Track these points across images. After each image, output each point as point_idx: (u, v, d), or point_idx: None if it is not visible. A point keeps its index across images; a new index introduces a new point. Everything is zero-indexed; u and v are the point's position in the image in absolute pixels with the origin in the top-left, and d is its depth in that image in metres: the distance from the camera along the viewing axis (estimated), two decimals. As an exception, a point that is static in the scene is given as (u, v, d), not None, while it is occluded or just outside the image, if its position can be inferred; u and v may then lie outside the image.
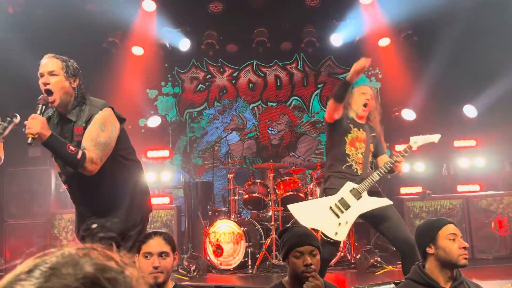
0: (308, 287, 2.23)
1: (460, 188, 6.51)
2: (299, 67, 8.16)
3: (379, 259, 5.31)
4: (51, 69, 2.50)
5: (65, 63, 2.55)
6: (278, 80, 8.18)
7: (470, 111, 7.03)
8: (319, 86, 8.13)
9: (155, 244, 2.27)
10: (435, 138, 3.51)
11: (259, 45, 7.50)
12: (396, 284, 2.59)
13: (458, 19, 6.60)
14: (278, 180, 5.85)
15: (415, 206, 5.94)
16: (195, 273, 5.09)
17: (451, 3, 6.46)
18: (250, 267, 5.29)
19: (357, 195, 3.33)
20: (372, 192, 3.39)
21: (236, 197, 5.92)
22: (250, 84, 8.18)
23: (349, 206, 3.31)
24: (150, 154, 7.41)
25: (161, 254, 2.25)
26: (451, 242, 2.26)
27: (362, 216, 3.41)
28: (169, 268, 2.27)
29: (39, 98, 2.49)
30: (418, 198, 6.00)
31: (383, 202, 3.34)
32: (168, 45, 7.57)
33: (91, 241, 2.56)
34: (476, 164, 6.73)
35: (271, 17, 7.37)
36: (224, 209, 6.03)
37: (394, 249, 3.50)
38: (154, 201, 6.07)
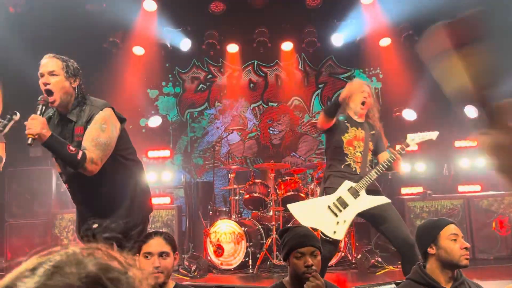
0: (309, 287, 2.23)
1: (461, 188, 6.50)
2: (300, 67, 8.15)
3: (379, 259, 5.31)
4: (51, 69, 2.50)
5: (65, 63, 2.55)
6: (278, 80, 8.18)
7: (471, 111, 7.02)
8: (320, 86, 8.13)
9: (156, 244, 2.27)
10: (433, 135, 3.50)
11: (260, 45, 7.50)
12: (396, 284, 2.59)
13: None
14: (279, 180, 5.85)
15: (416, 206, 5.93)
16: (195, 273, 5.09)
17: (452, 3, 6.44)
18: (250, 267, 5.29)
19: (355, 193, 3.34)
20: (371, 191, 3.40)
21: (237, 197, 5.91)
22: (251, 84, 8.18)
23: (347, 205, 3.32)
24: (151, 154, 7.40)
25: (161, 254, 2.25)
26: (452, 242, 2.26)
27: (362, 216, 3.42)
28: (169, 268, 2.27)
29: (39, 98, 2.48)
30: (419, 198, 5.99)
31: (381, 200, 3.35)
32: (169, 45, 7.57)
33: (93, 240, 2.55)
34: (477, 164, 6.72)
35: (272, 17, 7.37)
36: (225, 209, 6.02)
37: (395, 249, 3.50)
38: (155, 201, 6.07)
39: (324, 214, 3.32)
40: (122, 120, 2.68)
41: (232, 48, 7.83)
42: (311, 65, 8.14)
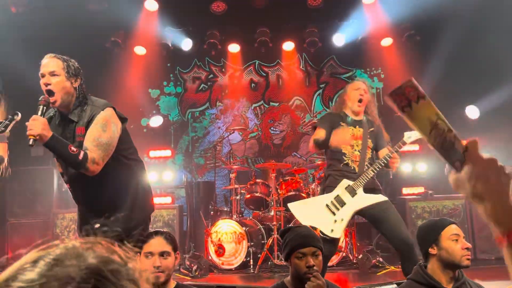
0: (310, 287, 2.23)
1: (462, 188, 6.47)
2: (301, 67, 8.15)
3: (381, 259, 5.30)
4: (52, 69, 2.49)
5: (66, 63, 2.54)
6: (280, 80, 8.18)
7: (472, 112, 7.01)
8: (321, 86, 8.13)
9: (156, 244, 2.27)
10: None
11: (261, 45, 7.50)
12: (398, 284, 2.59)
13: (461, 19, 6.57)
14: (280, 180, 5.85)
15: (417, 206, 5.92)
16: (197, 273, 5.09)
17: (454, 3, 6.44)
18: (252, 267, 5.29)
19: (352, 192, 3.36)
20: (369, 189, 3.42)
21: (238, 197, 5.91)
22: (252, 84, 8.18)
23: (344, 203, 3.35)
24: (152, 153, 7.41)
25: (162, 254, 2.25)
26: (454, 242, 2.25)
27: (362, 215, 3.43)
28: (170, 267, 2.27)
29: (40, 99, 2.48)
30: (420, 199, 5.98)
31: (378, 198, 3.37)
32: (170, 45, 7.57)
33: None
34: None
35: (274, 17, 7.37)
36: (226, 209, 6.02)
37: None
38: (156, 200, 6.07)
39: (322, 213, 3.36)
40: (123, 120, 2.68)
41: (234, 48, 7.83)
42: (312, 65, 8.13)
